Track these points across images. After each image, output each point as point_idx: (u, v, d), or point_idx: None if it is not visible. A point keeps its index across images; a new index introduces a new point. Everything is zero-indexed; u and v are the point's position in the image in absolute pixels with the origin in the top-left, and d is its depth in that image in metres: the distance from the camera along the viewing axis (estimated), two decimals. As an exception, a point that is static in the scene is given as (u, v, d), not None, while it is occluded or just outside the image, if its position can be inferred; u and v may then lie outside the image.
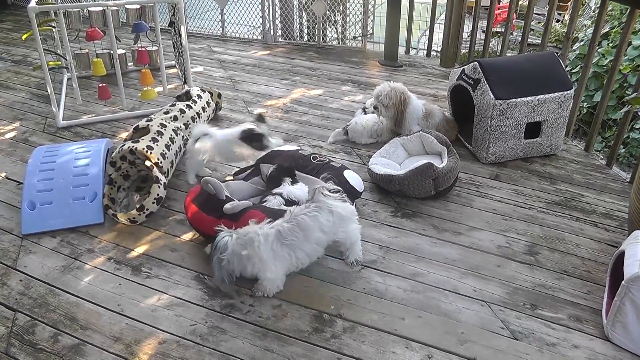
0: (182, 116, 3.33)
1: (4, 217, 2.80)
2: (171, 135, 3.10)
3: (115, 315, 2.18)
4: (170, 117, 3.25)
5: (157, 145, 2.92)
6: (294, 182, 2.70)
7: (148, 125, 3.08)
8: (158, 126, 3.08)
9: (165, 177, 2.88)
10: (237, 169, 3.12)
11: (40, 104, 4.16)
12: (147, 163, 2.79)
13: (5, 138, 3.62)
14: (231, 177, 3.07)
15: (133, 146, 2.81)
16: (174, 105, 3.41)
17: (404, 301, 2.26)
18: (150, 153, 2.83)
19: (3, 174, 3.18)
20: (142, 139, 2.90)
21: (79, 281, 2.36)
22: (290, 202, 2.58)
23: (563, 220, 2.81)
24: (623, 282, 1.99)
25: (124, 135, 3.63)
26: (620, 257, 2.19)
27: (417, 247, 2.59)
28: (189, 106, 3.45)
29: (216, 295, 2.28)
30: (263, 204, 2.59)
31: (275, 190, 2.65)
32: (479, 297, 2.29)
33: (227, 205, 2.48)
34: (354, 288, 2.33)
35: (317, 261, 2.45)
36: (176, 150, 3.09)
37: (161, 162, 2.89)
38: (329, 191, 2.31)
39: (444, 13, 5.00)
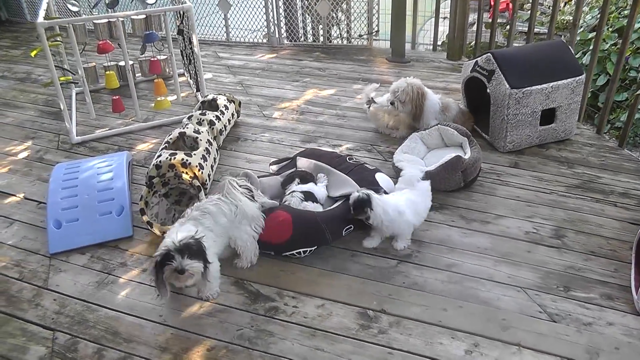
0: (212, 129, 3.37)
1: (28, 238, 2.77)
2: (214, 156, 3.21)
3: (158, 326, 2.19)
4: (211, 131, 3.35)
5: (206, 164, 2.96)
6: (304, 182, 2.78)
7: (197, 138, 3.11)
8: (206, 142, 3.13)
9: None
10: (275, 159, 3.17)
11: (51, 120, 4.13)
12: (195, 183, 2.79)
13: (19, 158, 3.59)
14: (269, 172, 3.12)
15: (187, 160, 2.83)
16: (204, 114, 3.42)
17: (443, 292, 2.30)
18: (202, 173, 2.87)
19: (22, 195, 3.14)
20: (194, 154, 2.92)
21: (115, 295, 2.36)
22: (308, 197, 2.64)
23: (584, 203, 2.87)
24: (651, 257, 2.04)
25: (141, 146, 3.65)
26: (645, 234, 2.24)
27: (448, 238, 2.63)
28: (218, 117, 3.48)
29: (258, 299, 2.30)
30: (285, 203, 2.63)
31: (294, 188, 2.71)
32: (514, 283, 2.34)
33: None
34: (394, 283, 2.36)
35: (353, 259, 2.51)
36: (211, 165, 3.11)
37: (207, 183, 2.92)
38: (239, 185, 2.38)
39: (444, 6, 5.04)
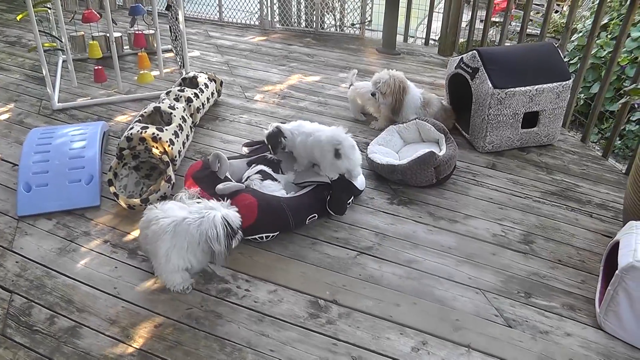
0: (189, 106, 3.34)
1: (-1, 199, 2.78)
2: (187, 133, 3.17)
3: (111, 298, 2.18)
4: (188, 108, 3.32)
5: (177, 140, 2.94)
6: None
7: (171, 113, 3.08)
8: (180, 119, 3.10)
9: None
10: (249, 140, 3.14)
11: (36, 85, 4.11)
12: (165, 158, 2.77)
13: (0, 120, 3.59)
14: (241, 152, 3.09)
15: (157, 134, 2.81)
16: (182, 90, 3.40)
17: (399, 288, 2.27)
18: (171, 149, 2.84)
19: (-2, 156, 3.15)
20: (166, 129, 2.90)
21: (75, 264, 2.36)
22: (265, 176, 2.63)
23: (558, 210, 2.83)
24: (617, 271, 2.00)
25: (120, 118, 3.63)
26: (615, 247, 2.20)
27: (413, 234, 2.60)
28: (196, 95, 3.44)
29: (212, 280, 2.28)
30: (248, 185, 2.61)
31: (247, 174, 2.69)
32: (473, 284, 2.30)
33: (219, 186, 2.48)
34: (350, 274, 2.34)
35: (313, 247, 2.49)
36: (183, 141, 3.08)
37: (176, 160, 2.90)
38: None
39: (443, 1, 4.98)
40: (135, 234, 2.54)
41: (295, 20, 5.88)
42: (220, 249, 2.03)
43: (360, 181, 2.79)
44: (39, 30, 3.50)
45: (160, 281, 2.23)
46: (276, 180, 2.65)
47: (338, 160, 2.59)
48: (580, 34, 5.00)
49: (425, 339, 2.04)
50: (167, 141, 2.82)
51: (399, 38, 5.18)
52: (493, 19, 5.43)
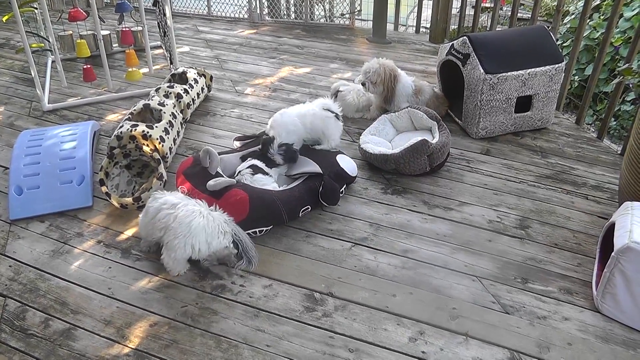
0: (179, 102, 3.32)
1: (-10, 203, 2.76)
2: (178, 129, 3.15)
3: (105, 299, 2.16)
4: (178, 104, 3.30)
5: (167, 137, 2.92)
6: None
7: (161, 110, 3.06)
8: (170, 115, 3.07)
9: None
10: (240, 135, 3.11)
11: (25, 87, 4.08)
12: (156, 156, 2.76)
13: (-10, 123, 3.57)
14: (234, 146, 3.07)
15: (147, 132, 2.79)
16: (172, 87, 3.38)
17: (395, 278, 2.26)
18: (162, 146, 2.82)
19: (-12, 160, 3.13)
20: (156, 127, 2.87)
21: (68, 265, 2.34)
22: (256, 170, 2.61)
23: (554, 194, 2.81)
24: (613, 253, 1.99)
25: (110, 117, 3.60)
26: (611, 228, 2.19)
27: (407, 223, 2.58)
28: (186, 91, 3.42)
29: (207, 277, 2.26)
30: (239, 180, 2.59)
31: (239, 168, 2.67)
32: (470, 272, 2.29)
33: (210, 182, 2.46)
34: (345, 266, 2.32)
35: (307, 240, 2.47)
36: (174, 138, 3.06)
37: (167, 157, 2.88)
38: None
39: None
40: (128, 232, 2.53)
41: (285, 12, 5.84)
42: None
43: (351, 167, 2.78)
44: (27, 31, 3.47)
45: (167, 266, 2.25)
46: (268, 174, 2.63)
47: (339, 122, 2.93)
48: (573, 16, 4.96)
49: (422, 329, 2.02)
50: (157, 138, 2.80)
51: (390, 27, 5.16)
52: (484, 5, 5.38)
